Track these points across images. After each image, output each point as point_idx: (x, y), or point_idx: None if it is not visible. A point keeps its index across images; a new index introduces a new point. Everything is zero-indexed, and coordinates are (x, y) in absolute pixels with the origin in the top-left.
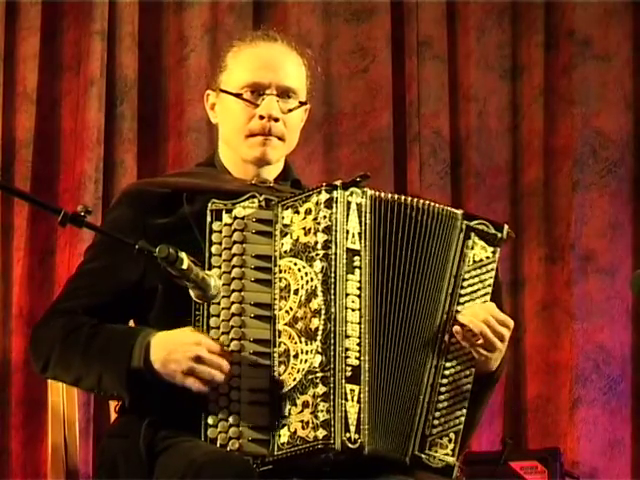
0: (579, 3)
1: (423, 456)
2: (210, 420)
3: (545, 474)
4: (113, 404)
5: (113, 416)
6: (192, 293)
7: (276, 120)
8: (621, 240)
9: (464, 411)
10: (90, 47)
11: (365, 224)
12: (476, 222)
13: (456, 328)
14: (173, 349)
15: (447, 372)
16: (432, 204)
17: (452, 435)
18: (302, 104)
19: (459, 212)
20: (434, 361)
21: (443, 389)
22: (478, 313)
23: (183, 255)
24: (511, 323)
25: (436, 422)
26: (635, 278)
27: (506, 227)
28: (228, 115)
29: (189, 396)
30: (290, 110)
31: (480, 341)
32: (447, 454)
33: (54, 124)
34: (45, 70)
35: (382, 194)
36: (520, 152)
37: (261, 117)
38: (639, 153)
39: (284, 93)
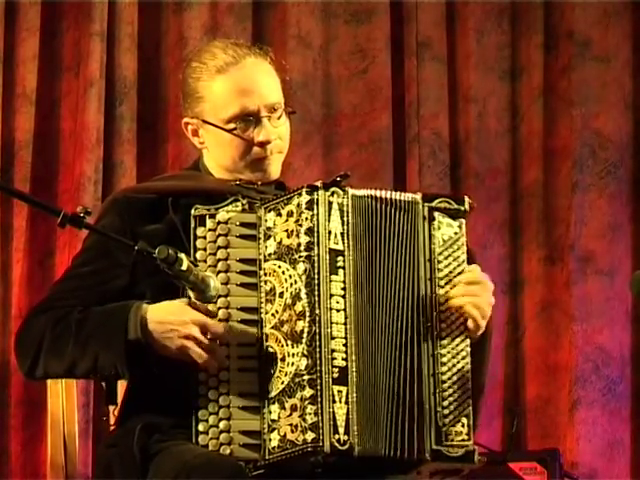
0: (578, 4)
1: (442, 449)
2: (200, 427)
3: (544, 475)
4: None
5: (112, 417)
6: (191, 294)
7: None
8: (620, 241)
9: (469, 392)
10: (89, 48)
11: (348, 224)
12: (437, 201)
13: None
14: (169, 325)
15: (444, 359)
16: (395, 193)
17: (464, 420)
18: (288, 110)
19: (418, 196)
20: (429, 351)
21: (445, 377)
22: (469, 288)
23: (182, 256)
24: (490, 285)
25: (446, 411)
26: (634, 279)
27: (467, 199)
28: (221, 146)
29: (182, 397)
30: (279, 118)
31: (476, 313)
32: (463, 439)
33: (53, 125)
34: (44, 71)
35: (362, 192)
36: (519, 153)
37: (261, 143)
38: (638, 154)
39: (271, 109)
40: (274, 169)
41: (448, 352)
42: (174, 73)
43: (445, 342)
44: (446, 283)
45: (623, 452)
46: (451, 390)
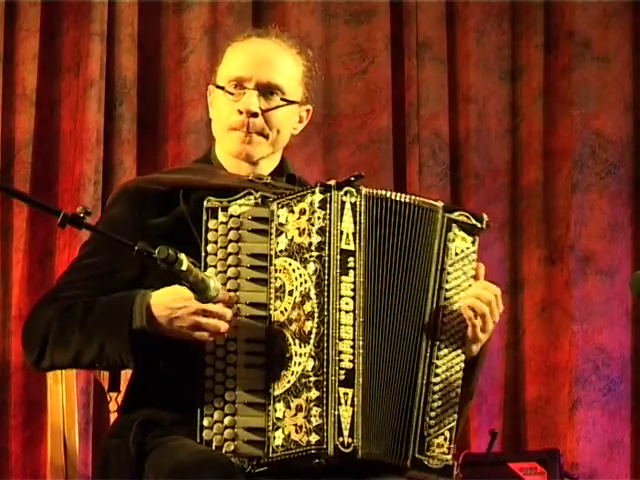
0: (579, 4)
1: (423, 458)
2: (205, 422)
3: (544, 475)
4: (113, 405)
5: (113, 417)
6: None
7: (255, 115)
8: (621, 241)
9: (456, 407)
10: (89, 48)
11: (360, 224)
12: (457, 214)
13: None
14: (176, 306)
15: (439, 370)
16: (415, 198)
17: (447, 433)
18: (289, 102)
19: (440, 204)
20: (427, 360)
21: (437, 387)
22: (481, 294)
23: (183, 256)
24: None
25: (432, 422)
26: (635, 279)
27: (485, 217)
28: (215, 109)
29: (187, 391)
30: (272, 108)
31: (479, 323)
32: (444, 452)
33: (53, 125)
34: (44, 71)
35: (376, 192)
36: (519, 153)
37: (240, 112)
38: (638, 154)
39: (266, 89)
40: (253, 150)
41: (443, 364)
42: (174, 73)
43: (442, 353)
44: (451, 296)
45: (623, 452)
46: (440, 402)
